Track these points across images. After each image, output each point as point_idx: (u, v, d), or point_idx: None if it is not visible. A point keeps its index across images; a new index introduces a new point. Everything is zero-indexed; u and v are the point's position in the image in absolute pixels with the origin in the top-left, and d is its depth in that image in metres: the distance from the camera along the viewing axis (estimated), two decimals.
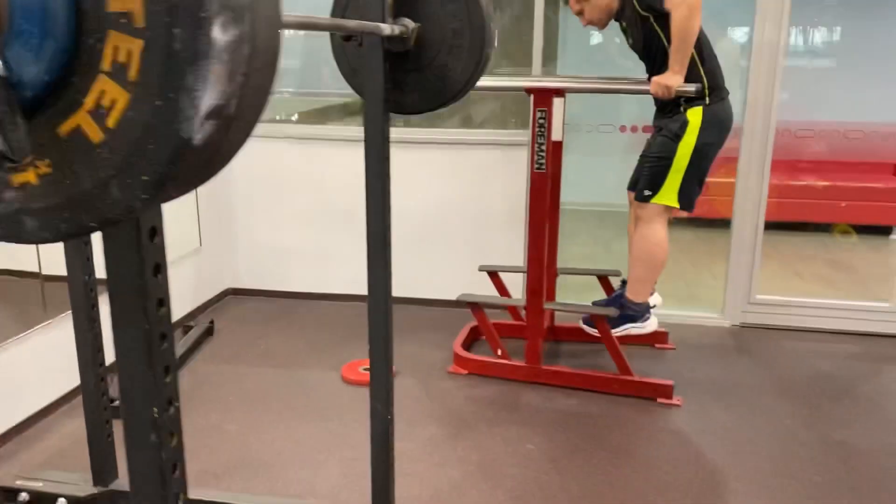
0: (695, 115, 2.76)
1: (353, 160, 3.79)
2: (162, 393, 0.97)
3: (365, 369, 3.20)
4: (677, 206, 2.87)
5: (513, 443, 2.68)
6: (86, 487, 2.20)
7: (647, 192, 2.89)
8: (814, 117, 5.59)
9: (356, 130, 3.90)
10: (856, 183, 5.50)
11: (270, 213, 4.04)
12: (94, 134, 0.59)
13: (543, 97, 2.84)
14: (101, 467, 2.21)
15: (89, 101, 0.58)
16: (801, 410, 2.91)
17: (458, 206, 3.87)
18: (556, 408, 2.93)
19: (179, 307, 3.71)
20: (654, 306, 3.22)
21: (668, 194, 2.85)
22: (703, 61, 2.74)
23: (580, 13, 2.94)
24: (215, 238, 3.98)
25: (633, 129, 4.33)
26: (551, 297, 3.40)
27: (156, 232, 0.91)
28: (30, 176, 0.60)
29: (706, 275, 3.59)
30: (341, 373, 3.16)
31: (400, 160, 3.83)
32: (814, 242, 5.62)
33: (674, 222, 5.10)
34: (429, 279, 3.87)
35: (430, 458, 2.57)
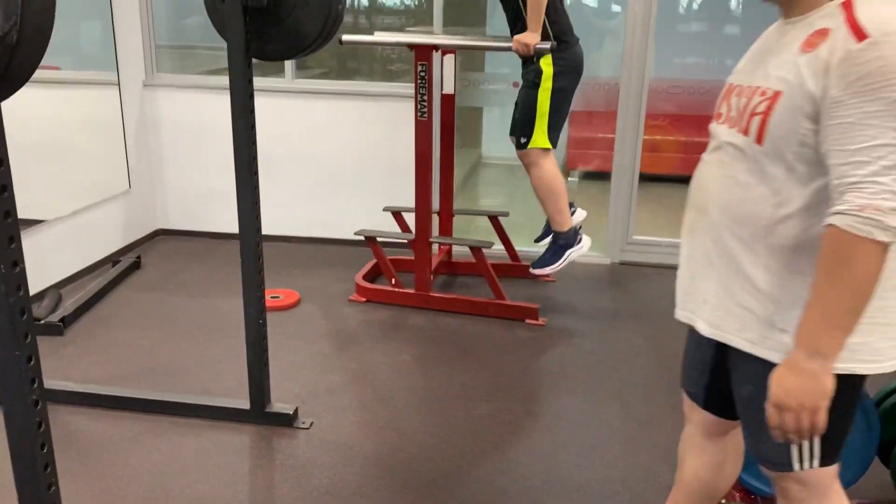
0: (547, 65, 3.12)
1: (269, 111, 4.12)
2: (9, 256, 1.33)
3: (274, 297, 3.56)
4: (549, 146, 3.25)
5: (391, 355, 3.07)
6: None
7: (523, 140, 3.26)
8: (686, 75, 6.00)
9: (273, 82, 4.22)
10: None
11: (196, 159, 4.34)
12: None
13: (423, 52, 3.18)
14: None
15: None
16: (650, 331, 3.34)
17: (371, 153, 4.20)
18: (437, 328, 3.33)
19: (109, 244, 4.04)
20: (581, 220, 3.53)
21: (540, 138, 3.21)
22: (549, 15, 3.08)
23: None
24: (144, 182, 4.29)
25: None
26: (448, 233, 3.78)
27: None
28: None
29: (594, 220, 3.99)
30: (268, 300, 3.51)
31: (318, 109, 4.19)
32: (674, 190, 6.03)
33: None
34: (343, 221, 4.21)
35: (316, 367, 2.95)
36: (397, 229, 3.83)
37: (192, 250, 4.27)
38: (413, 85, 3.24)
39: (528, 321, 3.36)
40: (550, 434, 2.53)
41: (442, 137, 3.70)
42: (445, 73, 3.55)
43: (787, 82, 1.24)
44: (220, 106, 4.26)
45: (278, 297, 3.55)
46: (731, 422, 1.58)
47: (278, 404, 2.56)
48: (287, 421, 2.52)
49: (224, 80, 4.37)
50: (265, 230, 4.29)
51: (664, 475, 2.28)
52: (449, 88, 3.59)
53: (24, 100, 4.10)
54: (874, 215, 1.13)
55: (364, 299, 3.57)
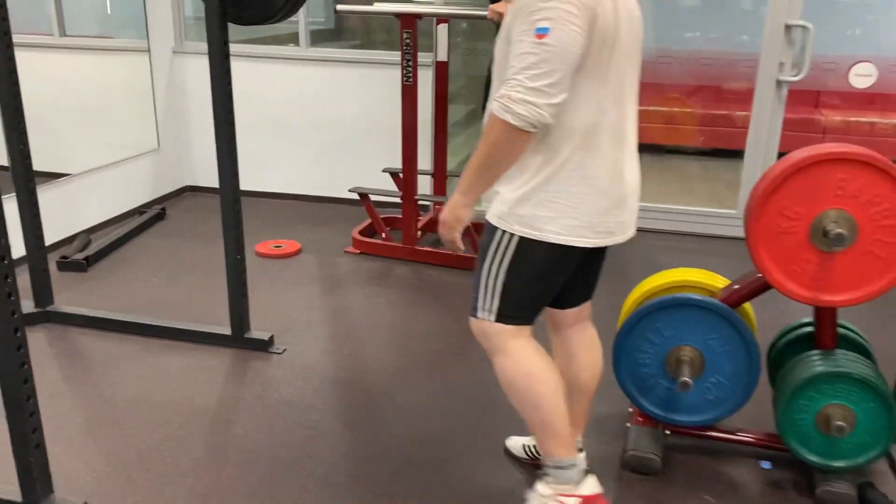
0: None
1: (285, 77, 4.44)
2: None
3: (276, 246, 3.92)
4: None
5: (370, 298, 3.38)
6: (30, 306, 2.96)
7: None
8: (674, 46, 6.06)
9: (289, 50, 4.54)
10: (711, 111, 5.96)
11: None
12: None
13: (407, 20, 3.45)
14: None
15: None
16: (617, 287, 3.54)
17: (376, 118, 4.47)
18: (419, 278, 3.63)
19: (138, 197, 4.46)
20: None
21: None
22: None
23: None
24: (172, 141, 4.69)
25: None
26: (441, 193, 4.05)
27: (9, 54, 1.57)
28: None
29: None
30: (255, 248, 3.87)
31: (329, 77, 4.49)
32: (679, 161, 6.09)
33: None
34: (348, 181, 4.50)
35: (300, 306, 3.29)
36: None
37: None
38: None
39: None
40: (486, 363, 2.80)
41: (436, 103, 3.95)
42: (439, 42, 3.80)
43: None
44: (241, 72, 4.62)
45: (281, 246, 3.90)
46: (559, 310, 1.98)
47: (257, 332, 2.90)
48: (263, 346, 2.86)
49: (245, 48, 4.76)
50: (277, 189, 4.70)
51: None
52: (442, 56, 3.84)
53: (66, 66, 4.58)
54: (506, 102, 1.53)
55: (358, 251, 3.88)
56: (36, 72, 4.31)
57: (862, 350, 2.22)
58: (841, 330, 2.24)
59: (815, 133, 5.73)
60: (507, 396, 1.87)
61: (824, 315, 2.11)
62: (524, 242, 1.70)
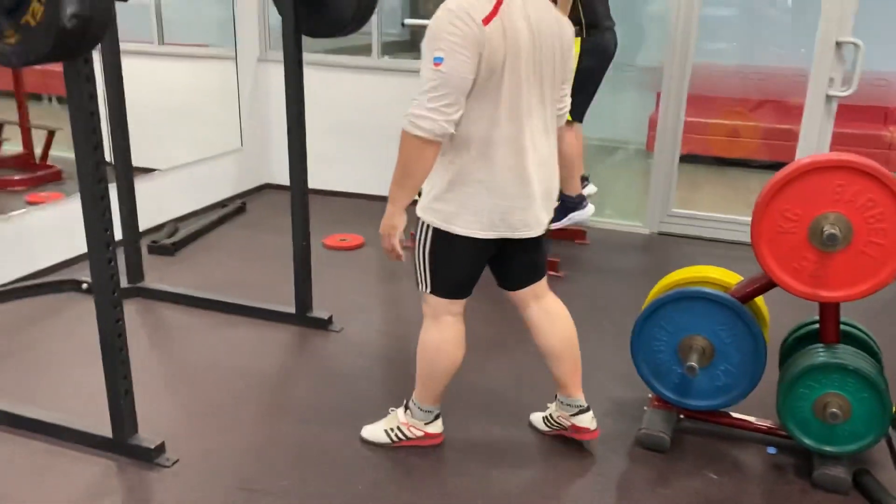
0: (575, 46, 3.57)
1: (358, 85, 4.78)
2: (95, 146, 2.03)
3: (342, 239, 4.26)
4: (570, 118, 3.71)
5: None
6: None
7: None
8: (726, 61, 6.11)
9: (361, 60, 4.90)
10: (763, 123, 6.00)
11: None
12: (34, 20, 1.65)
13: None
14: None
15: (29, 11, 1.63)
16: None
17: None
18: None
19: (222, 191, 4.89)
20: (591, 194, 4.06)
21: None
22: (583, 3, 3.52)
23: None
24: (254, 142, 5.11)
25: None
26: None
27: (89, 78, 1.94)
28: (10, 40, 1.67)
29: (640, 194, 4.39)
30: (323, 241, 4.21)
31: (398, 85, 4.80)
32: (737, 173, 6.12)
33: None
34: None
35: (359, 292, 3.61)
36: None
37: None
38: None
39: (549, 273, 3.84)
40: (521, 351, 3.04)
41: None
42: None
43: None
44: (316, 80, 5.02)
45: (346, 239, 4.24)
46: (511, 292, 2.35)
47: (318, 311, 3.23)
48: (322, 325, 3.18)
49: (320, 57, 5.14)
50: (350, 188, 5.04)
51: (614, 390, 2.75)
52: None
53: (164, 71, 5.08)
54: (413, 119, 1.88)
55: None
56: (137, 76, 4.80)
57: (866, 346, 2.37)
58: (847, 328, 2.40)
59: (880, 149, 5.72)
60: (418, 350, 2.30)
61: (827, 311, 2.27)
62: (437, 232, 2.08)
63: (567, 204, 3.85)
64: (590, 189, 4.11)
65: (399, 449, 2.38)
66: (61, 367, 2.84)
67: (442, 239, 2.08)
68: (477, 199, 2.02)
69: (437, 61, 1.86)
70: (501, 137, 1.98)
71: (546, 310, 2.33)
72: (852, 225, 2.07)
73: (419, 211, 2.12)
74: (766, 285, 2.30)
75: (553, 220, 3.87)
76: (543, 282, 2.34)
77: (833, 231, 2.05)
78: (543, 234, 2.22)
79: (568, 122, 3.71)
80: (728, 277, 2.49)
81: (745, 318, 2.31)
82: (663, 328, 2.42)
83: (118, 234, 3.41)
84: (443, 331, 2.24)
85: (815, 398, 2.21)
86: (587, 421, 2.33)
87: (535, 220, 2.12)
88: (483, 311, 3.08)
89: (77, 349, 2.90)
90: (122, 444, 2.29)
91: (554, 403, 2.42)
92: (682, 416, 2.52)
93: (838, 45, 3.95)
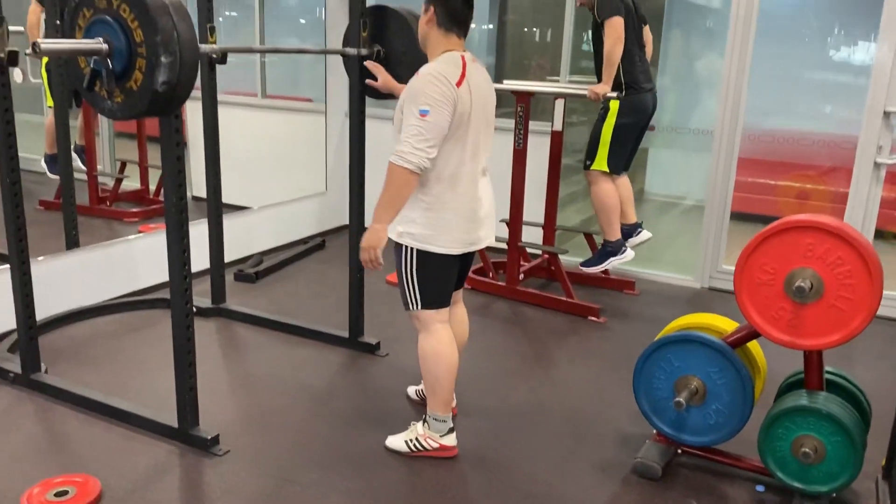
0: (614, 103, 3.90)
1: None
2: (176, 179, 2.51)
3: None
4: (607, 169, 4.02)
5: (475, 323, 3.97)
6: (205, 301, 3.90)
7: (587, 162, 4.07)
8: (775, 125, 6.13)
9: None
10: (810, 185, 5.98)
11: (378, 173, 5.58)
12: (136, 85, 2.15)
13: (522, 97, 4.12)
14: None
15: (132, 77, 2.14)
16: None
17: (499, 175, 5.12)
18: (514, 312, 4.21)
19: (306, 229, 5.42)
20: (645, 241, 4.34)
21: (600, 162, 4.01)
22: (624, 66, 3.85)
23: None
24: (338, 187, 5.63)
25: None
26: (550, 243, 4.61)
27: (178, 128, 2.43)
28: (118, 99, 2.17)
29: (690, 250, 4.58)
30: (387, 278, 4.63)
31: None
32: None
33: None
34: None
35: (410, 324, 3.97)
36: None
37: None
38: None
39: (589, 318, 4.11)
40: (549, 383, 3.32)
41: (550, 166, 4.56)
42: (556, 114, 4.43)
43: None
44: (383, 132, 5.49)
45: None
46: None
47: (368, 337, 3.62)
48: (370, 349, 3.57)
49: (387, 111, 5.61)
50: None
51: (621, 423, 2.98)
52: (558, 126, 4.46)
53: (264, 120, 5.75)
54: (402, 155, 2.35)
55: (469, 286, 4.53)
56: (241, 125, 5.46)
57: (851, 395, 2.53)
58: (835, 378, 2.57)
59: None
60: (420, 362, 2.69)
61: (809, 360, 2.46)
62: (420, 254, 2.54)
63: (607, 248, 4.12)
64: (644, 235, 4.35)
65: (416, 458, 2.71)
66: (147, 369, 3.34)
67: (424, 259, 2.53)
68: (450, 222, 2.51)
69: (424, 113, 2.35)
70: (465, 172, 2.51)
71: (455, 314, 2.85)
72: (823, 280, 2.28)
73: (395, 236, 2.54)
74: (753, 333, 2.52)
75: (592, 265, 4.17)
76: (461, 291, 2.91)
77: (802, 284, 2.27)
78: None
79: (605, 173, 4.03)
80: (728, 326, 2.71)
81: (734, 361, 2.52)
82: (662, 367, 2.66)
83: (206, 262, 3.98)
84: (436, 337, 2.65)
85: (793, 438, 2.39)
86: (453, 440, 2.74)
87: (486, 236, 2.67)
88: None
89: (161, 356, 3.40)
90: (185, 433, 2.73)
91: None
92: (679, 451, 2.73)
93: (886, 114, 4.08)
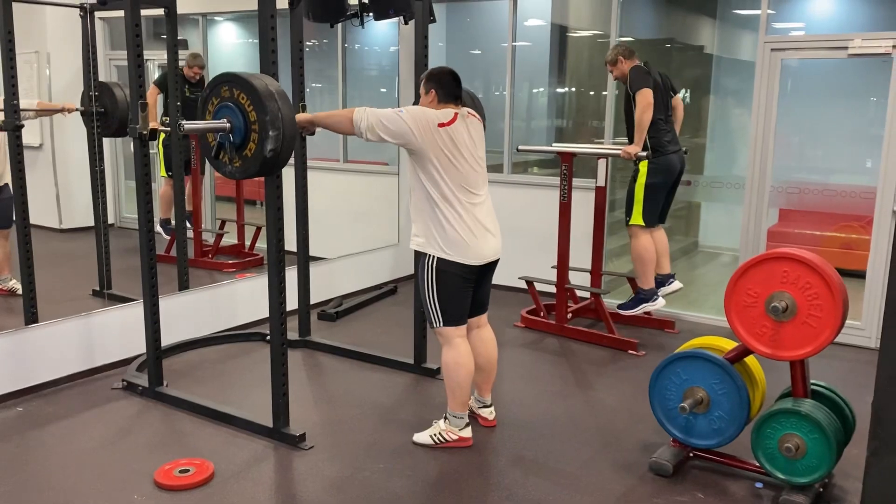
0: (643, 165, 4.45)
1: (497, 196, 5.78)
2: (276, 225, 3.21)
3: None
4: (644, 223, 4.54)
5: (522, 355, 4.56)
6: (293, 335, 4.59)
7: (626, 218, 4.61)
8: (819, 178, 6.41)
9: (495, 176, 6.00)
10: (855, 235, 6.20)
11: None
12: (250, 153, 2.88)
13: (565, 157, 4.72)
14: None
15: (248, 147, 2.87)
16: None
17: (548, 224, 5.70)
18: (561, 347, 4.72)
19: (380, 277, 6.10)
20: (675, 291, 4.81)
21: (637, 217, 4.55)
22: (650, 132, 4.41)
23: (611, 71, 4.71)
24: (408, 238, 6.30)
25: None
26: (597, 286, 5.11)
27: (278, 185, 3.14)
28: (237, 164, 2.90)
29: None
30: None
31: (522, 196, 5.81)
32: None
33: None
34: (527, 272, 5.75)
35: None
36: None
37: None
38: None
39: (629, 351, 4.59)
40: (585, 402, 3.81)
41: (595, 217, 5.10)
42: (599, 172, 5.00)
43: None
44: None
45: None
46: (471, 319, 3.35)
47: (430, 363, 4.20)
48: (432, 373, 4.15)
49: None
50: (500, 281, 6.02)
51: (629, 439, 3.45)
52: (601, 182, 5.02)
53: (344, 182, 6.62)
54: (362, 115, 3.04)
55: (523, 325, 5.08)
56: (325, 186, 6.25)
57: (833, 403, 2.96)
58: (821, 389, 3.02)
59: None
60: (443, 370, 3.28)
61: (794, 370, 2.91)
62: (440, 262, 3.12)
63: (640, 295, 4.62)
64: (675, 286, 4.83)
65: (439, 449, 3.29)
66: (245, 386, 4.01)
67: (443, 269, 3.12)
68: (459, 239, 3.11)
69: (401, 113, 3.02)
70: (459, 200, 3.10)
71: (482, 336, 3.38)
72: (796, 301, 2.76)
73: (418, 247, 3.20)
74: (746, 349, 2.99)
75: (627, 308, 4.67)
76: (486, 315, 3.44)
77: (777, 305, 2.75)
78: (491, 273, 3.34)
79: (641, 226, 4.56)
80: (731, 347, 3.18)
81: (732, 375, 2.99)
82: (672, 380, 3.14)
83: (295, 303, 4.68)
84: (456, 350, 3.23)
85: (779, 437, 2.84)
86: (487, 413, 3.50)
87: (491, 252, 3.23)
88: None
89: (256, 377, 4.07)
90: (278, 431, 3.36)
91: (472, 397, 3.50)
92: (691, 454, 3.19)
93: None
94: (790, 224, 6.65)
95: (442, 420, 3.37)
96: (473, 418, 3.48)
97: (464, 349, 3.24)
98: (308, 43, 7.28)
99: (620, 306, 4.80)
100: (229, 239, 6.42)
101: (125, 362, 4.20)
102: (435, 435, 3.34)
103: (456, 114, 3.15)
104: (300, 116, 3.23)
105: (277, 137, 2.84)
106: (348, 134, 3.13)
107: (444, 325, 3.22)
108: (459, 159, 3.11)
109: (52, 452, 3.25)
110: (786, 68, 4.84)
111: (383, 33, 6.76)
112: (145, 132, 3.48)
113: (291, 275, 4.63)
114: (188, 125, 2.87)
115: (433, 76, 3.24)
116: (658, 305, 4.72)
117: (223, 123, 2.91)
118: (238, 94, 2.91)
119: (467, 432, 3.34)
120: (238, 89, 2.91)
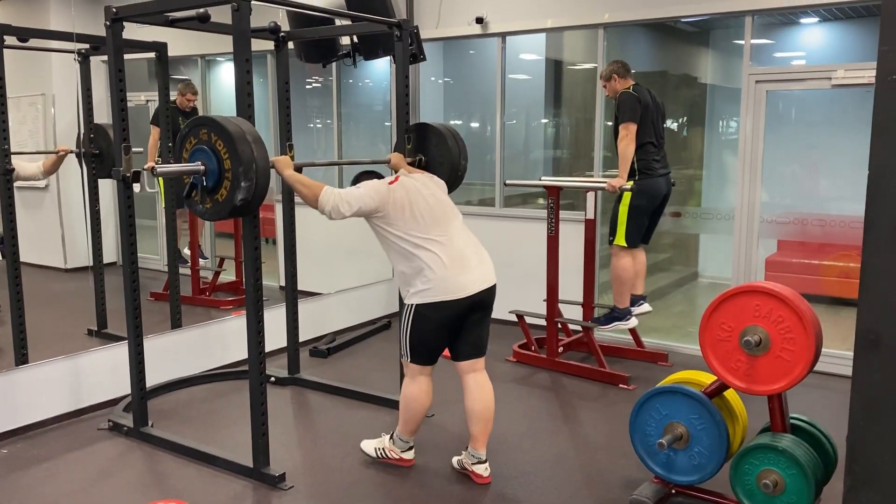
0: (628, 189, 4.46)
1: (484, 228, 5.87)
2: (253, 264, 3.23)
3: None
4: (626, 244, 4.55)
5: (513, 390, 4.53)
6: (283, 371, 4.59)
7: (610, 238, 4.63)
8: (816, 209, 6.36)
9: (486, 209, 6.02)
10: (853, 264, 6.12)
11: None
12: (221, 198, 2.91)
13: (552, 190, 4.74)
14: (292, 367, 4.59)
15: (219, 192, 2.90)
16: None
17: (541, 259, 5.70)
18: (552, 381, 4.69)
19: (373, 312, 6.10)
20: (644, 313, 4.81)
21: (620, 238, 4.56)
22: (638, 154, 4.43)
23: (605, 88, 4.76)
24: None
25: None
26: (588, 319, 5.10)
27: (255, 225, 3.17)
28: (207, 205, 2.93)
29: None
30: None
31: (513, 229, 5.83)
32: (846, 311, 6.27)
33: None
34: (517, 306, 5.74)
35: (456, 390, 4.53)
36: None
37: None
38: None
39: (620, 385, 4.55)
40: (571, 438, 3.78)
41: (585, 250, 5.10)
42: (588, 204, 5.01)
43: None
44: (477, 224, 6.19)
45: None
46: (457, 362, 3.39)
47: None
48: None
49: (462, 208, 6.33)
50: (499, 315, 6.02)
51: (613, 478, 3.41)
52: (590, 215, 5.03)
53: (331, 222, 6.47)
54: (329, 197, 3.20)
55: (515, 360, 5.06)
56: (318, 220, 6.26)
57: (814, 438, 2.92)
58: (801, 423, 2.97)
59: None
60: (401, 400, 3.39)
61: (771, 404, 2.88)
62: (420, 307, 3.17)
63: (614, 313, 4.64)
64: (645, 308, 4.83)
65: (422, 491, 3.27)
66: (231, 425, 4.01)
67: (420, 316, 3.19)
68: (440, 278, 3.14)
69: (359, 188, 3.21)
70: (433, 237, 3.19)
71: (477, 381, 3.33)
72: (769, 335, 2.74)
73: (405, 299, 3.21)
74: (724, 384, 2.96)
75: (601, 324, 4.66)
76: (482, 360, 3.39)
77: (750, 338, 2.73)
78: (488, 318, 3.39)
79: (622, 247, 4.56)
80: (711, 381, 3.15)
81: (710, 410, 2.96)
82: (652, 415, 3.11)
83: (283, 340, 4.69)
84: (419, 387, 3.33)
85: (757, 473, 2.80)
86: (482, 469, 3.34)
87: (480, 280, 3.25)
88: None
89: (243, 416, 4.02)
90: (258, 471, 3.35)
91: (465, 451, 3.37)
92: (673, 491, 3.14)
93: None
94: (788, 254, 6.61)
95: (387, 437, 3.52)
96: (465, 475, 3.40)
97: (425, 387, 3.35)
98: (309, 80, 7.42)
99: (594, 320, 4.81)
100: (228, 276, 6.46)
101: (114, 402, 4.21)
102: (379, 449, 3.51)
103: (398, 176, 3.37)
104: (278, 162, 3.25)
105: (249, 189, 2.88)
106: (312, 207, 3.24)
107: (411, 361, 3.31)
108: (420, 202, 3.25)
109: (32, 495, 3.25)
110: (785, 97, 4.86)
111: (384, 70, 6.85)
112: (128, 174, 3.53)
113: (281, 312, 4.65)
114: (160, 168, 2.91)
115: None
116: (630, 324, 4.77)
117: (197, 166, 2.95)
118: (216, 139, 2.96)
119: (409, 455, 3.50)
120: (216, 135, 2.96)
